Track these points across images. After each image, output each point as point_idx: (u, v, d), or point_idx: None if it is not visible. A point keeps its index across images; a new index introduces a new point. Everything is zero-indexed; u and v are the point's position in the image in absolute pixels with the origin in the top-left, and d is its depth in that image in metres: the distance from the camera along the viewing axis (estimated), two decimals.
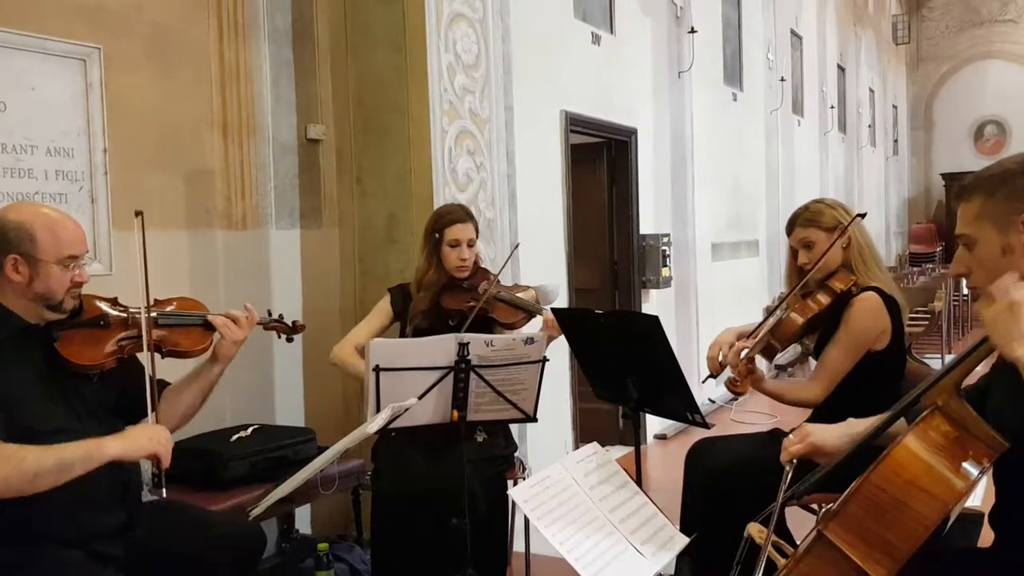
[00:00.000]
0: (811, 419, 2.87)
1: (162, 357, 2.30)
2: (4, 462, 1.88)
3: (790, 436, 2.02)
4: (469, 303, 3.10)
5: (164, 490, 2.13)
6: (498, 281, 3.23)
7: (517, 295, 3.22)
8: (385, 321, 3.32)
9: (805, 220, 2.85)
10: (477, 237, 3.27)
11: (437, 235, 3.21)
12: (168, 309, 2.37)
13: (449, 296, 3.20)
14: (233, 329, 2.38)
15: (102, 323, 2.21)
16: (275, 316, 2.62)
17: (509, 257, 3.53)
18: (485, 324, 3.12)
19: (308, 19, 3.94)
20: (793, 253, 2.91)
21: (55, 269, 2.10)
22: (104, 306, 2.25)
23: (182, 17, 3.41)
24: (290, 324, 2.65)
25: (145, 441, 2.08)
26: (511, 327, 3.14)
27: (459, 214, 3.24)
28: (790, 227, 2.91)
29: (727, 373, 2.80)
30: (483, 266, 3.34)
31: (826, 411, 2.74)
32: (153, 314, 2.28)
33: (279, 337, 2.67)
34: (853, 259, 2.80)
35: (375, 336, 3.23)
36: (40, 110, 2.93)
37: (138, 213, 2.23)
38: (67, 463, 1.95)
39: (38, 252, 2.08)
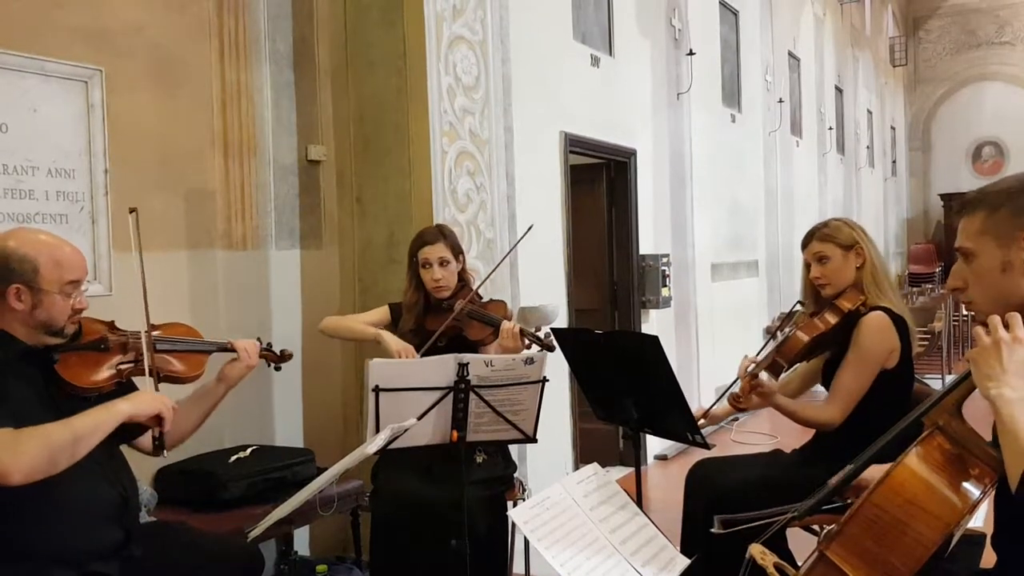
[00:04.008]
0: (820, 434, 2.89)
1: (159, 381, 2.30)
2: (29, 442, 1.91)
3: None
4: (447, 321, 3.13)
5: (166, 451, 2.20)
6: (477, 297, 3.24)
7: (487, 308, 3.22)
8: (383, 320, 3.32)
9: (823, 235, 2.88)
10: (458, 256, 3.26)
11: (414, 258, 3.24)
12: (163, 334, 2.38)
13: (431, 318, 3.22)
14: (251, 354, 2.48)
15: (102, 347, 2.23)
16: (264, 344, 2.63)
17: (490, 274, 3.51)
18: (468, 344, 3.12)
19: (309, 41, 3.96)
20: (807, 268, 2.93)
21: (57, 298, 2.12)
22: (103, 330, 2.27)
23: (183, 39, 3.44)
24: (278, 353, 2.68)
25: (151, 400, 2.13)
26: (481, 343, 3.14)
27: (430, 235, 3.25)
28: (807, 241, 2.93)
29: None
30: (474, 284, 3.35)
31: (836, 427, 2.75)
32: (155, 333, 2.31)
33: (268, 365, 2.68)
34: (865, 279, 2.83)
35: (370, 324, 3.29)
36: (41, 131, 2.94)
37: (132, 210, 2.26)
38: (88, 430, 2.00)
39: (41, 282, 2.10)
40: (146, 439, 2.35)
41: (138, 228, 2.29)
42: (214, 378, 2.49)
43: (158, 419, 2.13)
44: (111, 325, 2.31)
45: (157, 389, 2.21)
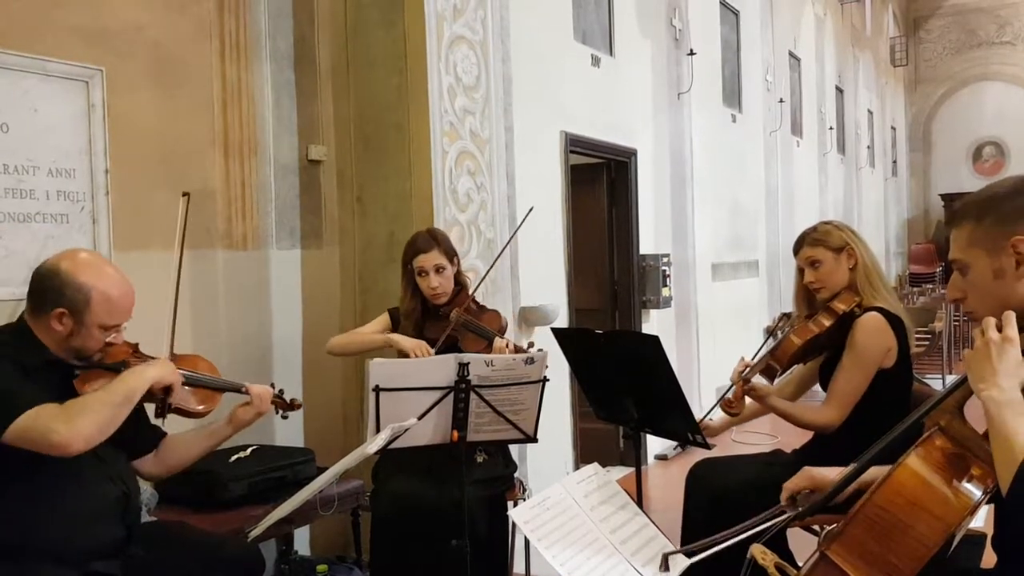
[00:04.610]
0: (819, 434, 2.88)
1: (168, 412, 2.32)
2: (82, 410, 2.00)
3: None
4: (444, 331, 3.11)
5: (164, 420, 2.31)
6: (471, 303, 3.23)
7: (482, 319, 3.21)
8: (385, 328, 3.32)
9: (813, 240, 2.88)
10: (453, 259, 3.24)
11: (409, 266, 3.22)
12: (182, 366, 2.38)
13: (430, 325, 3.21)
14: (263, 400, 2.48)
15: (122, 369, 2.24)
16: (276, 391, 2.62)
17: (488, 270, 3.51)
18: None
19: (310, 41, 3.96)
20: (800, 273, 2.93)
21: (96, 332, 2.17)
22: (127, 353, 2.31)
23: (184, 38, 3.44)
24: (288, 401, 2.67)
25: (171, 368, 2.24)
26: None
27: (423, 243, 3.21)
28: (797, 246, 2.94)
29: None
30: (471, 285, 3.34)
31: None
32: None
33: (276, 412, 2.65)
34: (859, 280, 2.83)
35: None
36: (42, 131, 2.94)
37: (185, 194, 2.26)
38: (130, 392, 2.10)
39: (87, 316, 2.14)
40: (145, 461, 2.41)
41: (186, 218, 2.28)
42: (223, 418, 2.49)
43: (167, 389, 2.22)
44: (135, 348, 2.34)
45: (165, 418, 2.31)
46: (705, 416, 2.98)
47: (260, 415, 2.49)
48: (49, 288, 2.13)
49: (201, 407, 2.40)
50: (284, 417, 2.69)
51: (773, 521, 1.90)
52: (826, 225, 2.94)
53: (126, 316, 2.23)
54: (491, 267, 3.58)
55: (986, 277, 1.67)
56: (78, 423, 1.96)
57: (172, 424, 2.44)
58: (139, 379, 2.14)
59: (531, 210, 3.48)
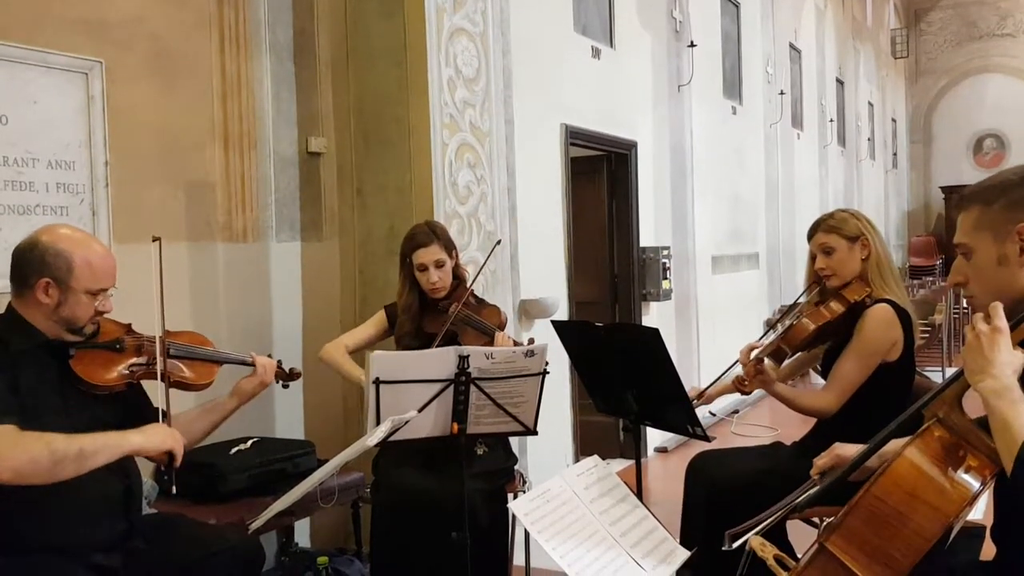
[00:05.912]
0: (820, 426, 2.89)
1: (169, 387, 2.32)
2: (32, 444, 1.93)
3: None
4: (443, 325, 3.11)
5: (175, 487, 2.21)
6: (471, 296, 3.23)
7: (482, 314, 3.20)
8: (380, 330, 3.32)
9: (828, 226, 2.88)
10: (452, 252, 3.22)
11: (408, 260, 3.21)
12: (177, 341, 2.40)
13: (429, 319, 3.19)
14: (268, 371, 2.50)
15: (117, 347, 2.26)
16: (278, 363, 2.64)
17: (479, 272, 3.46)
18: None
19: (309, 33, 3.96)
20: (812, 258, 2.94)
21: (84, 298, 2.16)
22: (120, 331, 2.31)
23: (184, 30, 3.43)
24: (287, 371, 2.69)
25: (164, 435, 2.15)
26: None
27: (423, 237, 3.18)
28: (812, 231, 2.93)
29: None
30: (468, 279, 3.33)
31: (835, 419, 2.75)
32: (170, 340, 2.34)
33: (276, 382, 2.67)
34: (870, 271, 2.83)
35: (366, 343, 3.27)
36: (42, 123, 2.93)
37: (156, 239, 2.26)
38: (91, 451, 1.99)
39: (72, 281, 2.14)
40: None
41: (161, 258, 2.26)
42: (228, 392, 2.51)
43: (169, 455, 2.15)
44: (128, 327, 2.34)
45: (172, 487, 2.23)
46: (705, 388, 2.99)
47: (264, 386, 2.52)
48: (30, 260, 2.13)
49: (200, 380, 2.42)
50: (285, 386, 2.72)
51: (807, 494, 1.92)
52: (843, 213, 2.93)
53: (110, 279, 2.22)
54: (480, 271, 3.53)
55: (989, 262, 1.68)
56: (19, 454, 1.90)
57: (176, 400, 2.44)
58: (119, 440, 2.07)
59: (498, 243, 3.56)
